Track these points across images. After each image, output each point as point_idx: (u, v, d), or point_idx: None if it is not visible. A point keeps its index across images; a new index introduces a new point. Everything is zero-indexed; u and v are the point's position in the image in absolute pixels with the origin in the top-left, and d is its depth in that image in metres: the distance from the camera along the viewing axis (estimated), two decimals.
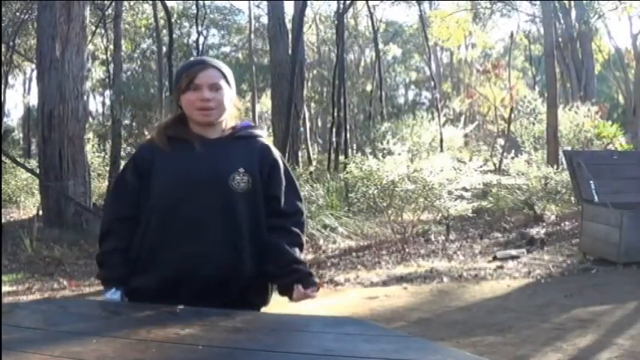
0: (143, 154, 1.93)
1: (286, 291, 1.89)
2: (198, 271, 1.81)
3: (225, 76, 1.89)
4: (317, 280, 1.92)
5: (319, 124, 32.69)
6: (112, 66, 18.06)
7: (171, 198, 1.83)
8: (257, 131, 1.98)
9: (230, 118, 1.94)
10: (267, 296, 1.95)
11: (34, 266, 7.47)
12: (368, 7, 18.84)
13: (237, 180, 1.84)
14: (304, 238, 1.96)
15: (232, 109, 1.94)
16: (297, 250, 1.90)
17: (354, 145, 21.25)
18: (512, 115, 18.73)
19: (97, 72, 21.44)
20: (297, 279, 1.86)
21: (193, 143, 1.85)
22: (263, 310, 1.92)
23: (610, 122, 13.83)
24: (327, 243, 8.44)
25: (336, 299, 5.61)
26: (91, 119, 20.55)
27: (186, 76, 1.86)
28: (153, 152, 1.88)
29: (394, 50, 27.82)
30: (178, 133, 1.88)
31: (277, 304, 1.93)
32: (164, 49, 16.16)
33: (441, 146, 14.69)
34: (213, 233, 1.82)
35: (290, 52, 13.31)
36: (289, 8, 16.91)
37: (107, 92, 20.99)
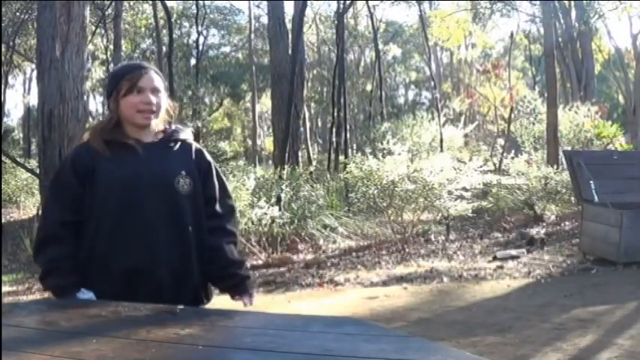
0: (81, 157, 1.89)
1: (225, 290, 2.00)
2: (151, 273, 1.83)
3: (162, 81, 1.96)
4: (251, 287, 2.05)
5: (319, 124, 32.69)
6: (112, 66, 18.04)
7: (119, 202, 1.83)
8: (185, 135, 2.01)
9: (160, 122, 1.97)
10: (211, 294, 2.02)
11: (34, 266, 7.45)
12: (368, 7, 18.85)
13: (182, 182, 1.89)
14: (237, 237, 2.07)
15: (164, 113, 1.98)
16: (233, 248, 1.99)
17: (354, 145, 21.26)
18: (512, 115, 18.73)
19: (97, 72, 21.43)
20: (235, 283, 1.97)
21: (133, 147, 1.87)
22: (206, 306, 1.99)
23: (610, 122, 13.83)
24: (327, 243, 8.44)
25: (336, 299, 5.61)
26: (91, 119, 20.51)
27: (128, 79, 1.88)
28: (92, 156, 1.86)
29: (394, 50, 27.82)
30: (116, 137, 1.88)
31: (277, 304, 1.94)
32: (164, 49, 16.17)
33: (441, 146, 14.68)
34: (164, 235, 1.85)
35: (290, 52, 13.30)
36: (289, 8, 16.92)
37: None
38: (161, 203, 1.85)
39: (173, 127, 2.00)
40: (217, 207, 1.98)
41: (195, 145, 2.02)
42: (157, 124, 1.96)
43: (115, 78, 1.94)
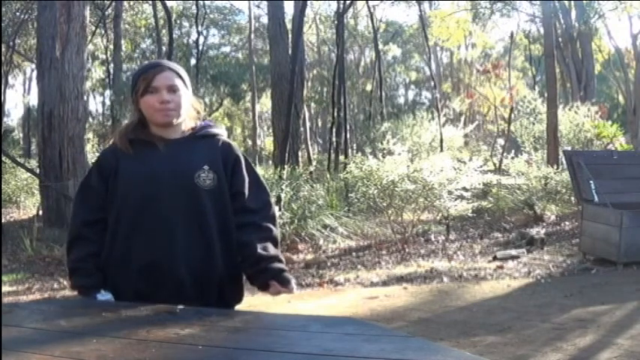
0: (106, 158, 1.93)
1: (263, 288, 1.89)
2: (171, 270, 1.82)
3: (181, 78, 1.92)
4: (290, 276, 1.89)
5: (319, 124, 32.71)
6: (112, 66, 18.07)
7: (139, 199, 1.84)
8: (216, 130, 1.99)
9: (189, 119, 1.96)
10: (242, 294, 1.97)
11: (34, 266, 7.47)
12: (368, 7, 18.86)
13: (203, 177, 1.86)
14: (277, 232, 1.96)
15: (190, 110, 1.96)
16: (269, 245, 1.90)
17: (354, 145, 21.26)
18: (512, 115, 18.73)
19: (97, 72, 21.44)
20: (271, 277, 1.86)
21: (156, 144, 1.88)
22: (237, 307, 1.93)
23: (610, 122, 13.82)
24: (327, 243, 8.44)
25: (336, 299, 5.61)
26: (91, 119, 20.55)
27: (143, 79, 1.88)
28: (116, 156, 1.89)
29: (394, 50, 27.83)
30: (139, 135, 1.90)
31: (277, 304, 1.94)
32: (164, 49, 16.16)
33: (441, 146, 14.69)
34: (183, 232, 1.83)
35: (290, 52, 13.30)
36: (289, 8, 16.93)
37: (107, 92, 20.97)
38: (180, 199, 1.83)
39: (203, 123, 1.99)
40: (247, 202, 1.91)
41: (223, 139, 1.97)
42: (185, 121, 1.94)
43: (134, 78, 1.95)
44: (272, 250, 1.89)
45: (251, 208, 1.91)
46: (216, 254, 1.86)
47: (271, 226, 1.93)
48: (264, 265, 1.86)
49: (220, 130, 2.00)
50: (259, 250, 1.86)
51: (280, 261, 1.90)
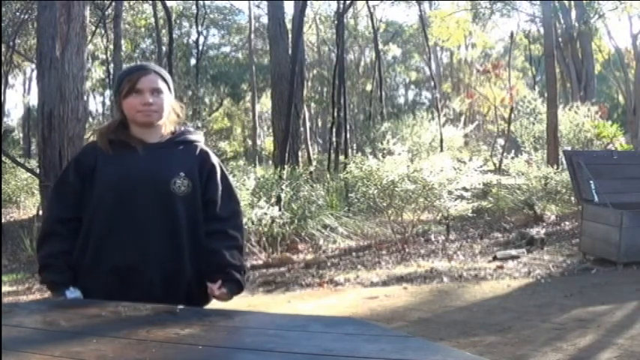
0: (85, 156, 1.96)
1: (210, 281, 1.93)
2: (141, 271, 1.84)
3: (165, 81, 1.95)
4: (235, 289, 1.94)
5: (319, 124, 32.70)
6: (112, 66, 18.06)
7: (113, 200, 1.86)
8: (194, 136, 2.02)
9: (169, 123, 1.98)
10: (209, 298, 1.98)
11: (34, 266, 7.44)
12: (368, 7, 18.85)
13: (179, 184, 1.89)
14: (243, 241, 2.02)
15: (171, 113, 1.98)
16: (235, 253, 1.95)
17: (354, 145, 21.26)
18: (512, 115, 18.72)
19: (97, 72, 21.43)
20: (223, 279, 1.91)
21: (135, 147, 1.90)
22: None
23: (610, 122, 13.82)
24: (327, 243, 8.44)
25: (336, 299, 5.61)
26: (91, 119, 20.55)
27: (128, 81, 1.91)
28: (95, 155, 1.92)
29: (394, 50, 27.82)
30: (119, 136, 1.92)
31: (277, 305, 1.94)
32: (164, 49, 16.16)
33: (441, 146, 14.68)
34: (155, 234, 1.86)
35: (290, 52, 13.30)
36: (289, 8, 16.92)
37: (107, 92, 20.97)
38: (155, 203, 1.86)
39: (182, 128, 2.01)
40: (218, 210, 1.95)
41: (201, 146, 2.00)
42: (165, 125, 1.96)
43: (118, 80, 1.99)
44: (238, 260, 1.95)
45: (221, 216, 1.95)
46: (185, 257, 1.89)
47: (238, 235, 1.98)
48: (229, 270, 1.92)
49: (198, 137, 2.03)
50: (226, 258, 1.91)
51: (243, 272, 1.97)
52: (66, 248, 1.87)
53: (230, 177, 2.08)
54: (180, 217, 1.88)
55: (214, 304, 1.95)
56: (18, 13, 16.99)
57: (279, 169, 9.06)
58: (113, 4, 16.11)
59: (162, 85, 1.93)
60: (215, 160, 2.00)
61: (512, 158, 11.51)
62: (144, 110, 1.89)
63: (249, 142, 26.96)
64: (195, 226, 1.91)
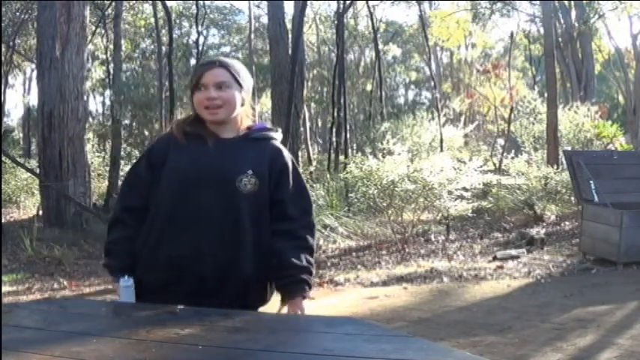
0: (158, 146, 1.97)
1: (283, 299, 1.91)
2: (194, 265, 1.83)
3: (234, 75, 1.90)
4: (306, 288, 1.89)
5: (319, 124, 32.70)
6: (112, 66, 18.06)
7: (178, 190, 1.86)
8: (272, 133, 1.98)
9: (246, 118, 1.96)
10: (267, 298, 1.96)
11: (34, 266, 7.47)
12: (368, 7, 18.84)
13: (245, 182, 1.85)
14: (313, 242, 1.95)
15: (247, 108, 1.95)
16: (302, 254, 1.89)
17: (354, 145, 21.25)
18: (512, 115, 18.73)
19: (97, 72, 21.43)
20: (287, 284, 1.88)
21: (207, 140, 1.89)
22: (261, 308, 1.93)
23: (610, 122, 13.83)
24: (327, 243, 8.44)
25: (336, 299, 5.61)
26: (91, 119, 20.55)
27: (194, 76, 1.92)
28: (168, 146, 1.92)
29: (394, 50, 27.82)
30: (195, 129, 1.91)
31: (276, 305, 1.93)
32: (164, 49, 16.16)
33: (441, 146, 14.68)
34: (213, 230, 1.84)
35: (290, 52, 13.30)
36: (289, 8, 16.92)
37: (107, 92, 20.97)
38: (218, 199, 1.84)
39: (260, 124, 1.99)
40: (287, 210, 1.90)
41: (275, 144, 1.96)
42: (242, 119, 1.94)
43: (191, 75, 2.00)
44: (304, 260, 1.89)
45: (290, 216, 1.91)
46: (246, 257, 1.86)
47: (308, 236, 1.93)
48: (289, 272, 1.87)
49: (275, 134, 1.99)
50: (290, 259, 1.87)
51: (309, 273, 1.90)
52: (129, 235, 1.90)
53: (303, 177, 2.03)
54: (243, 215, 1.84)
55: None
56: (18, 13, 16.99)
57: None
58: (113, 4, 16.11)
59: (229, 78, 1.88)
60: (288, 158, 1.95)
61: (512, 158, 11.52)
62: (208, 106, 1.87)
63: None
64: (259, 225, 1.88)
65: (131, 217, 1.91)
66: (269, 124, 2.06)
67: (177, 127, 1.94)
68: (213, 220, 1.84)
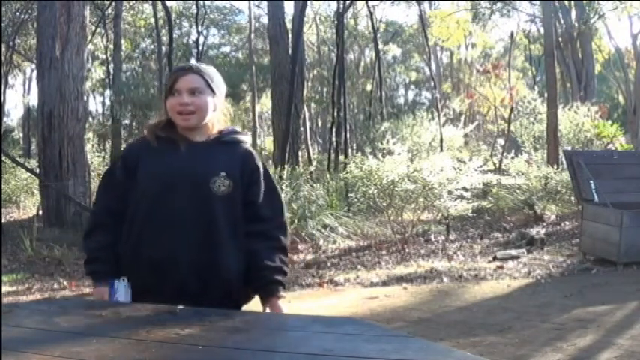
0: (132, 151, 2.00)
1: (261, 299, 1.93)
2: (173, 267, 1.85)
3: (208, 81, 1.93)
4: (280, 288, 1.91)
5: (319, 124, 32.70)
6: (112, 66, 18.06)
7: (153, 194, 1.88)
8: (242, 137, 2.02)
9: (217, 123, 1.98)
10: (249, 294, 1.98)
11: (34, 266, 7.47)
12: (368, 7, 18.83)
13: (219, 183, 1.88)
14: (286, 241, 1.99)
15: (218, 114, 1.98)
16: (275, 254, 1.93)
17: (354, 145, 21.25)
18: (512, 115, 18.73)
19: (97, 72, 21.43)
20: (261, 285, 1.90)
21: (179, 144, 1.91)
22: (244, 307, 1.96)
23: (610, 122, 13.83)
24: (327, 243, 8.44)
25: (336, 299, 5.61)
26: (91, 119, 20.54)
27: (168, 81, 1.95)
28: (141, 150, 1.95)
29: (394, 50, 27.82)
30: (167, 134, 1.94)
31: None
32: (164, 49, 16.16)
33: (441, 146, 14.68)
34: (190, 232, 1.86)
35: (290, 52, 13.30)
36: (289, 8, 16.94)
37: (107, 92, 20.97)
38: (193, 201, 1.87)
39: (230, 129, 2.01)
40: (260, 211, 1.93)
41: (246, 148, 1.99)
42: (212, 124, 1.96)
43: (166, 79, 2.04)
44: (277, 260, 1.92)
45: (263, 217, 1.94)
46: (223, 257, 1.88)
47: (281, 237, 1.96)
48: (263, 273, 1.90)
49: (245, 138, 2.02)
50: (263, 259, 1.90)
51: (283, 273, 1.93)
52: (111, 240, 1.91)
53: (274, 179, 2.07)
54: (218, 216, 1.87)
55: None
56: (18, 13, 16.98)
57: (279, 169, 9.06)
58: (113, 4, 16.11)
59: (201, 84, 1.91)
60: (258, 161, 1.99)
61: (512, 158, 11.51)
62: (181, 111, 1.89)
63: None
64: (234, 226, 1.90)
65: (112, 220, 1.92)
66: (238, 128, 2.10)
67: (150, 131, 1.96)
68: (188, 223, 1.86)
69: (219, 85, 1.98)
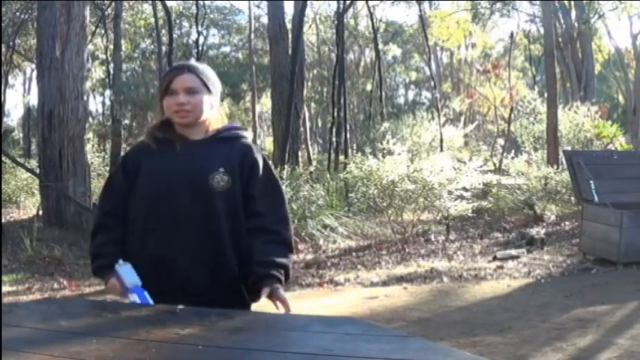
0: (132, 154, 2.03)
1: (255, 295, 1.89)
2: (178, 266, 1.86)
3: (204, 80, 1.94)
4: (274, 282, 1.85)
5: (319, 124, 32.70)
6: (112, 66, 18.05)
7: (153, 196, 1.90)
8: (241, 132, 2.02)
9: (214, 122, 1.98)
10: (255, 296, 1.94)
11: (34, 266, 7.47)
12: (368, 7, 18.83)
13: (217, 179, 1.88)
14: (288, 234, 1.94)
15: (215, 113, 1.98)
16: (272, 248, 1.88)
17: (354, 145, 21.24)
18: (512, 115, 18.73)
19: (97, 72, 21.43)
20: (256, 279, 1.86)
21: (176, 143, 1.93)
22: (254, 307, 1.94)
23: (610, 122, 13.83)
24: (327, 243, 8.43)
25: (336, 299, 5.61)
26: (91, 119, 20.54)
27: (164, 81, 1.96)
28: (140, 153, 1.97)
29: (394, 50, 27.80)
30: (164, 134, 1.95)
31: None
32: (164, 49, 16.15)
33: (441, 146, 14.68)
34: (193, 230, 1.87)
35: (290, 52, 13.31)
36: (289, 8, 16.94)
37: (107, 92, 20.96)
38: (193, 199, 1.87)
39: (228, 125, 2.02)
40: (259, 206, 1.91)
41: (245, 142, 1.98)
42: (210, 122, 1.96)
43: (161, 79, 2.05)
44: (273, 255, 1.87)
45: (260, 211, 1.92)
46: (228, 255, 1.88)
47: (282, 230, 1.92)
48: (257, 268, 1.86)
49: (244, 133, 2.02)
50: (260, 253, 1.87)
51: (279, 266, 1.86)
52: (115, 238, 1.93)
53: (275, 172, 2.05)
54: (219, 213, 1.87)
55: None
56: (18, 13, 16.98)
57: (279, 169, 9.06)
58: (113, 4, 16.11)
59: (198, 83, 1.92)
60: (258, 154, 1.97)
61: (512, 158, 11.52)
62: (177, 111, 1.91)
63: None
64: (236, 222, 1.90)
65: (115, 222, 1.94)
66: (237, 124, 2.10)
67: (148, 134, 1.99)
68: (192, 221, 1.87)
69: (215, 83, 1.99)
